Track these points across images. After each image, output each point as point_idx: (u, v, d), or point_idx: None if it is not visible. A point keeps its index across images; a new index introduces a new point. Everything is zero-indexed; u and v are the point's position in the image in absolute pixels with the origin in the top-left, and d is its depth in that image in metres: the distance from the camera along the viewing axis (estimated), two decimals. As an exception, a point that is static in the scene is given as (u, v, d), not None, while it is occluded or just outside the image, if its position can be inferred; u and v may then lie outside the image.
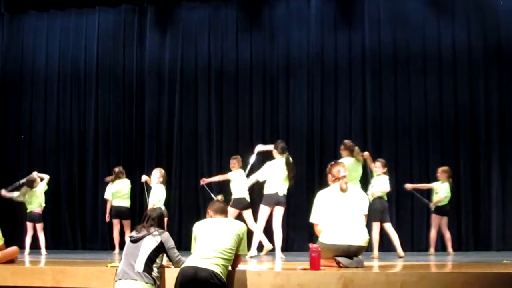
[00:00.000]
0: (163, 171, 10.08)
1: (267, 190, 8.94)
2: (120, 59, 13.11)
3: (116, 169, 10.92)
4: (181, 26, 12.93)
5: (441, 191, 10.19)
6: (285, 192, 8.99)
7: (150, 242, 5.47)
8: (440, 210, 10.28)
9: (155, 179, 9.87)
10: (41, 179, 10.91)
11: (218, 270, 5.16)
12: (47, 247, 10.75)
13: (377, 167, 9.61)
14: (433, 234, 10.31)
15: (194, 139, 12.63)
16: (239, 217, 9.66)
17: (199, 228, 5.52)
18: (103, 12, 13.24)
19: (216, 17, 12.83)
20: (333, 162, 6.74)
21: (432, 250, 10.24)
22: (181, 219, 12.20)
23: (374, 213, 9.19)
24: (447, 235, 10.27)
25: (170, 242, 5.57)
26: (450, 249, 10.19)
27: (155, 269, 5.44)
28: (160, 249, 5.50)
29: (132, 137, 12.87)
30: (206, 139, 12.51)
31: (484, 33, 11.79)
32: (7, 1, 12.97)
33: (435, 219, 10.31)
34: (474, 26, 11.84)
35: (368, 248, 7.02)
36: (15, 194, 10.83)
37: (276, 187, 8.91)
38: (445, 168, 10.42)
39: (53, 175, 12.42)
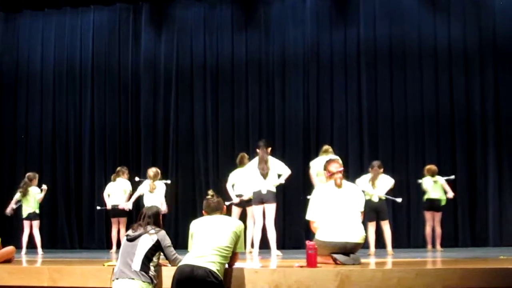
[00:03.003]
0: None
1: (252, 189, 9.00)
2: (116, 58, 13.09)
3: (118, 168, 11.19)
4: (176, 24, 12.91)
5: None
6: (270, 189, 8.95)
7: (146, 241, 5.46)
8: (429, 206, 10.34)
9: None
10: (41, 188, 10.82)
11: (214, 268, 5.16)
12: (43, 246, 10.72)
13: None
14: (428, 230, 10.37)
15: (190, 137, 12.63)
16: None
17: (196, 226, 5.51)
18: (98, 10, 13.22)
19: (211, 15, 12.82)
20: (328, 159, 6.77)
21: (429, 246, 10.27)
22: (177, 217, 12.20)
23: (370, 213, 9.25)
24: (438, 231, 10.31)
25: (166, 241, 5.56)
26: (438, 246, 10.23)
27: (152, 268, 5.42)
28: (157, 247, 5.49)
29: (128, 135, 12.86)
30: (202, 137, 12.51)
31: (479, 29, 11.82)
32: (2, 0, 12.92)
33: (426, 215, 10.39)
34: (470, 21, 11.87)
35: (365, 245, 7.03)
36: (17, 196, 10.73)
37: (258, 185, 8.94)
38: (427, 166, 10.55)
39: (49, 174, 12.46)
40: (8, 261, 6.93)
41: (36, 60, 13.38)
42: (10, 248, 7.08)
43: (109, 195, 11.06)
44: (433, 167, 10.45)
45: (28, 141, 13.24)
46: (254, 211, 8.92)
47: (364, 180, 9.58)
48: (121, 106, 12.96)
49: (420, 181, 10.50)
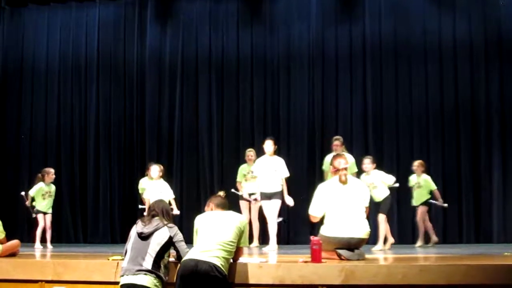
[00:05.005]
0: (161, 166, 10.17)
1: (281, 186, 9.04)
2: (121, 53, 13.09)
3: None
4: (181, 19, 12.90)
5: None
6: None
7: (159, 238, 5.40)
8: (424, 202, 10.36)
9: (156, 173, 9.92)
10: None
11: (218, 262, 5.18)
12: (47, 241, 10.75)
13: (367, 164, 9.61)
14: (428, 225, 10.33)
15: (195, 132, 12.62)
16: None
17: (200, 221, 5.53)
18: (103, 5, 13.21)
19: (216, 10, 12.80)
20: (335, 155, 6.78)
21: (434, 238, 10.24)
22: (181, 213, 12.16)
23: (385, 207, 9.31)
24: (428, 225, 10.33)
25: (178, 235, 5.51)
26: (420, 242, 10.24)
27: (162, 266, 5.39)
28: (169, 244, 5.45)
29: (133, 130, 12.86)
30: (207, 132, 12.50)
31: (484, 25, 11.76)
32: (8, -5, 12.96)
33: (420, 209, 10.34)
34: (475, 17, 11.82)
35: (370, 240, 7.04)
36: (31, 192, 10.74)
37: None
38: (422, 161, 10.52)
39: (54, 169, 12.43)
40: (13, 254, 6.96)
41: (41, 54, 13.38)
42: (15, 242, 7.11)
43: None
44: (423, 162, 10.50)
45: (33, 136, 13.23)
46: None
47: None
48: (126, 101, 12.96)
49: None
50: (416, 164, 10.43)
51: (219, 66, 12.65)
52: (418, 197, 10.35)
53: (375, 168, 9.58)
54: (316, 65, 12.23)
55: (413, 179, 10.36)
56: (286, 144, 12.03)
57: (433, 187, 10.36)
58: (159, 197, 9.29)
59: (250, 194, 10.12)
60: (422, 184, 10.33)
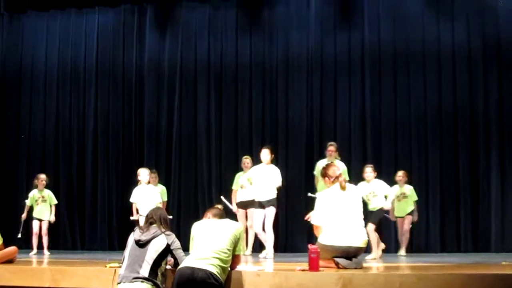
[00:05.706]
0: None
1: (275, 194, 9.04)
2: (120, 59, 13.09)
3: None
4: (180, 26, 12.91)
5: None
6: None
7: (156, 246, 5.39)
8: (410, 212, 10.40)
9: (146, 177, 9.94)
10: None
11: (215, 270, 5.17)
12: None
13: (369, 173, 9.59)
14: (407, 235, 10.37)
15: (194, 138, 12.61)
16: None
17: (197, 229, 5.55)
18: (102, 12, 13.20)
19: (215, 17, 12.82)
20: (325, 165, 6.81)
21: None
22: (179, 220, 12.17)
23: (377, 218, 9.31)
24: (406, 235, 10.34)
25: (176, 243, 5.51)
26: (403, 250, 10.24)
27: (159, 273, 5.38)
28: (166, 251, 5.44)
29: (131, 136, 12.85)
30: (205, 139, 12.49)
31: (483, 32, 11.77)
32: (7, 1, 12.89)
33: (408, 218, 10.31)
34: (473, 24, 11.82)
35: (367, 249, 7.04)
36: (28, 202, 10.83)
37: None
38: (405, 171, 10.54)
39: (51, 175, 12.42)
40: (10, 261, 6.94)
41: (40, 60, 13.38)
42: (12, 248, 7.10)
43: None
44: (407, 172, 10.53)
45: (31, 141, 13.24)
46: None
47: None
48: (125, 108, 12.96)
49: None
50: (401, 174, 10.40)
51: (218, 73, 12.65)
52: (404, 208, 10.31)
53: (376, 177, 9.58)
54: (315, 72, 12.22)
55: (395, 190, 10.19)
56: (285, 150, 12.04)
57: (416, 197, 10.42)
58: (147, 201, 9.47)
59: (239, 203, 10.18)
60: (408, 194, 10.33)
